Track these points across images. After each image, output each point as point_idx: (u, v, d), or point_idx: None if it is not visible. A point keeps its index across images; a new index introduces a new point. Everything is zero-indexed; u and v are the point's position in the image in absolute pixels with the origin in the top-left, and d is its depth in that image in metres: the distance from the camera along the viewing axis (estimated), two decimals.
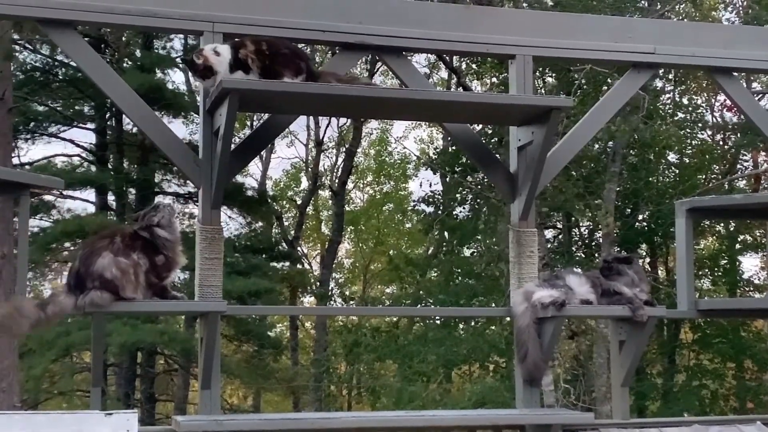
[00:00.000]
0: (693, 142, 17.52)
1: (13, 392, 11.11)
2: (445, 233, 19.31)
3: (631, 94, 4.81)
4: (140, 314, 12.19)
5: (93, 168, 18.37)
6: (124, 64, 17.50)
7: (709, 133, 18.59)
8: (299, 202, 24.59)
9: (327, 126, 23.16)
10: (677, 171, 17.69)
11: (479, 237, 17.08)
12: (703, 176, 17.43)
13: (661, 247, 18.73)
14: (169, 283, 3.82)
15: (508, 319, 5.23)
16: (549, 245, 16.02)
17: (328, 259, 22.78)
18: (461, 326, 17.29)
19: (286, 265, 20.44)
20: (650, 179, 16.49)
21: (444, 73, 19.84)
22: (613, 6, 13.55)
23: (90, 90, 16.24)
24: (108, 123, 18.34)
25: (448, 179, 18.28)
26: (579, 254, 17.00)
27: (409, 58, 4.79)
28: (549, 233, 17.03)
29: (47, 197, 17.13)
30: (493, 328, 16.30)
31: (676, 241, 4.77)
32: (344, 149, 23.14)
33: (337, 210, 22.58)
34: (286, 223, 24.04)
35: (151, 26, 4.10)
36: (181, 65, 18.53)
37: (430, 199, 18.46)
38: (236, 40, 3.93)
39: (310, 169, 23.76)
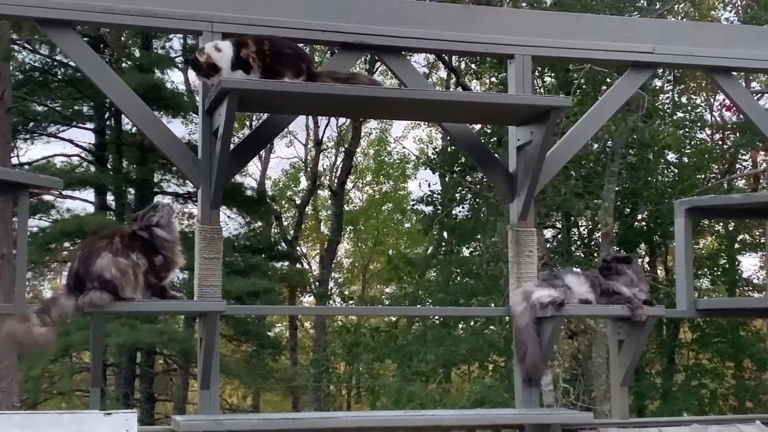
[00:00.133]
0: (692, 141, 17.53)
1: (12, 392, 11.13)
2: (444, 233, 19.32)
3: (630, 93, 4.81)
4: (139, 314, 12.17)
5: (92, 168, 18.37)
6: (123, 64, 17.50)
7: (708, 132, 18.61)
8: (298, 202, 24.60)
9: (326, 126, 23.21)
10: (676, 170, 17.70)
11: (478, 237, 17.08)
12: (703, 176, 17.43)
13: (660, 246, 18.74)
14: (168, 283, 3.82)
15: (507, 318, 5.22)
16: (548, 245, 16.03)
17: (327, 259, 22.79)
18: (460, 326, 17.30)
19: (286, 265, 20.46)
20: (649, 179, 16.50)
21: (443, 73, 19.86)
22: (612, 6, 13.55)
23: (89, 90, 16.24)
24: (107, 123, 18.35)
25: (447, 179, 18.29)
26: (578, 254, 17.00)
27: (408, 57, 4.79)
28: (548, 233, 17.04)
29: (46, 197, 17.14)
30: (492, 327, 16.30)
31: (675, 241, 4.78)
32: (343, 149, 23.15)
33: (336, 210, 22.59)
34: (285, 223, 24.06)
35: (150, 26, 4.09)
36: (180, 65, 18.53)
37: (429, 199, 18.47)
38: (238, 37, 3.92)
39: (309, 169, 23.76)
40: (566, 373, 14.06)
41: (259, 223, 20.15)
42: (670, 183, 16.98)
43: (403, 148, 25.08)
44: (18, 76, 16.54)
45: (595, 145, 14.90)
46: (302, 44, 4.12)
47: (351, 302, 24.15)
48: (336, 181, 22.84)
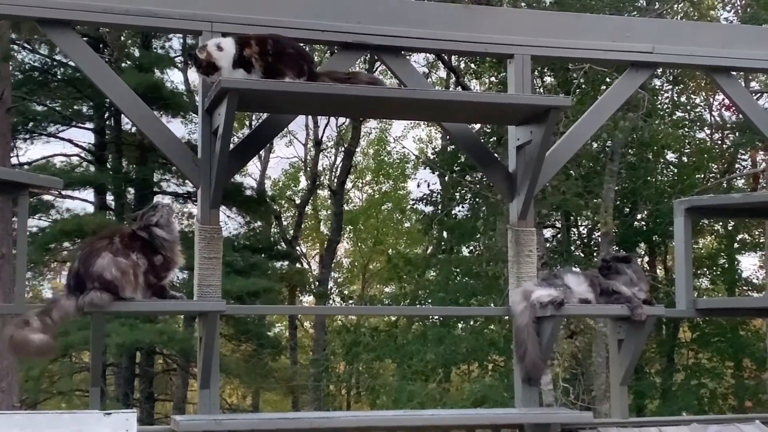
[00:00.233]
0: (692, 141, 17.53)
1: (12, 392, 11.14)
2: (444, 232, 19.31)
3: (629, 93, 4.81)
4: (139, 314, 12.18)
5: (92, 168, 18.37)
6: (123, 64, 17.50)
7: (708, 132, 18.61)
8: (298, 202, 24.59)
9: (326, 126, 23.21)
10: (676, 170, 17.71)
11: (478, 236, 17.09)
12: (702, 175, 17.43)
13: (659, 246, 18.75)
14: (168, 283, 3.82)
15: (506, 318, 5.22)
16: (548, 244, 16.03)
17: (326, 259, 22.79)
18: (460, 325, 17.30)
19: (285, 265, 20.47)
20: (649, 178, 16.51)
21: (443, 73, 19.85)
22: (611, 5, 13.56)
23: (89, 90, 16.24)
24: (107, 123, 18.35)
25: (446, 178, 18.28)
26: (578, 253, 17.00)
27: (407, 57, 4.79)
28: (548, 232, 17.04)
29: (46, 197, 17.14)
30: (492, 327, 16.30)
31: (675, 240, 4.78)
32: (343, 149, 23.14)
33: (335, 209, 22.59)
34: (285, 223, 24.05)
35: (150, 26, 4.09)
36: (180, 65, 18.54)
37: (429, 199, 18.47)
38: (241, 35, 3.91)
39: (308, 169, 23.76)
40: (566, 373, 14.07)
41: (259, 223, 20.15)
42: (670, 182, 16.99)
43: (403, 147, 25.11)
44: (18, 75, 16.54)
45: (595, 145, 14.91)
46: (302, 44, 4.11)
47: (351, 302, 24.14)
48: (336, 180, 22.84)
